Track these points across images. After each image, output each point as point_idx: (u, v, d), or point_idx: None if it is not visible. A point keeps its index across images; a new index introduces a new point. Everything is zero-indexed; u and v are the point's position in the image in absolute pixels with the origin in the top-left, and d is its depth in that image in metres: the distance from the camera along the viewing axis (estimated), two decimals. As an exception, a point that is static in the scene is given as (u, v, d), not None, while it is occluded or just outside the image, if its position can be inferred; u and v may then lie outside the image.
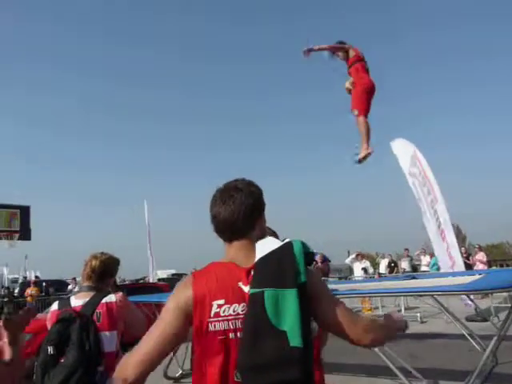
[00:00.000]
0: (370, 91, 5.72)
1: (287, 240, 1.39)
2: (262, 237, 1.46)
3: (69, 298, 2.61)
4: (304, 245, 1.36)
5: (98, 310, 2.44)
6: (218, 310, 1.30)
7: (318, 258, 13.78)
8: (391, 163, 9.49)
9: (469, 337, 5.96)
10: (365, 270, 13.32)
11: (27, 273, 27.29)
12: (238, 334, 1.27)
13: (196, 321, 1.31)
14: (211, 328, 1.29)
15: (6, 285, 23.53)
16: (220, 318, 1.29)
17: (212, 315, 1.30)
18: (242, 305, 1.30)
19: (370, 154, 5.63)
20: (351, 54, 5.84)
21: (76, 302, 2.52)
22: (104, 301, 2.48)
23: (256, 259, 1.34)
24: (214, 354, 1.28)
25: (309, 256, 1.36)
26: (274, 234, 1.94)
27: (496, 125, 68.30)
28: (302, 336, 1.20)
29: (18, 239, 12.75)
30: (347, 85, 5.86)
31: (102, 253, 2.73)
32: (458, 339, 6.62)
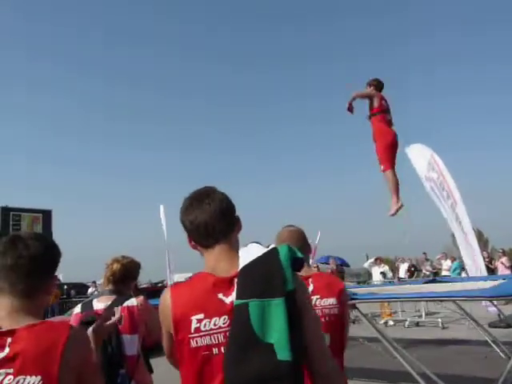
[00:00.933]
0: (393, 145, 5.73)
1: (272, 246, 1.31)
2: (237, 243, 1.42)
3: (91, 301, 2.65)
4: (291, 250, 1.28)
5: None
6: (198, 324, 1.24)
7: (331, 262, 13.68)
8: (409, 168, 9.37)
9: (492, 343, 5.81)
10: (383, 274, 13.13)
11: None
12: (222, 349, 1.21)
13: (177, 338, 1.27)
14: (193, 344, 1.24)
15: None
16: (201, 333, 1.24)
17: (192, 331, 1.24)
18: (223, 317, 1.24)
19: (400, 207, 5.67)
20: (375, 102, 5.78)
21: (98, 305, 2.55)
22: (126, 304, 2.51)
23: (239, 267, 1.27)
24: (198, 371, 1.23)
25: (297, 262, 1.28)
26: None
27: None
28: (291, 348, 1.13)
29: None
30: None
31: (124, 256, 2.76)
32: (480, 346, 6.47)
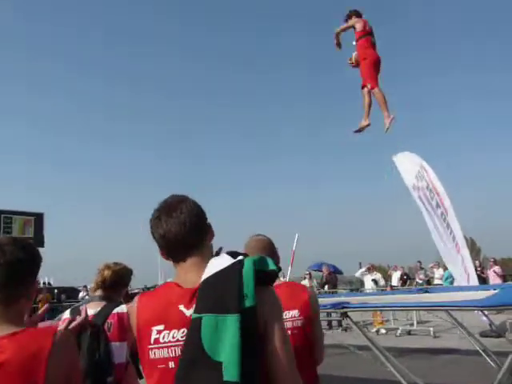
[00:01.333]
0: (376, 64, 6.01)
1: (240, 258, 1.25)
2: (211, 250, 1.39)
3: (80, 306, 2.63)
4: (259, 262, 1.22)
5: (109, 320, 2.45)
6: (158, 336, 1.21)
7: (324, 269, 13.66)
8: (399, 175, 9.44)
9: (483, 353, 5.82)
10: (375, 281, 13.15)
11: (41, 279, 27.55)
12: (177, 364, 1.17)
13: (139, 348, 1.25)
14: (152, 356, 1.21)
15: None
16: (160, 345, 1.20)
17: (152, 342, 1.21)
18: (181, 330, 1.19)
19: (392, 120, 5.92)
20: (358, 27, 6.08)
21: (88, 311, 2.53)
22: (115, 311, 2.49)
23: (202, 279, 1.22)
24: (156, 383, 1.20)
25: (267, 274, 1.22)
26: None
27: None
28: (241, 369, 1.07)
29: (32, 246, 12.87)
30: (353, 58, 6.14)
31: (116, 263, 2.74)
32: (471, 355, 6.46)
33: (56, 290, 17.96)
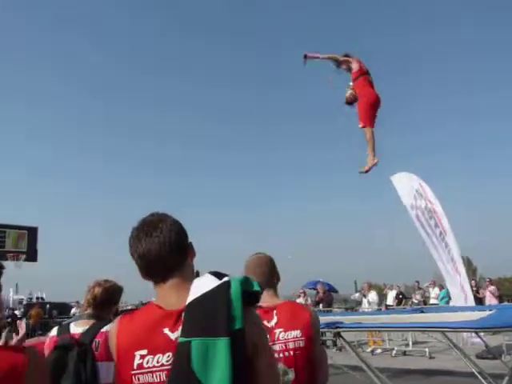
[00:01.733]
0: (374, 104, 5.92)
1: (226, 279, 1.21)
2: (192, 270, 1.35)
3: (68, 324, 2.58)
4: (245, 283, 1.20)
5: (97, 339, 2.40)
6: (141, 361, 1.17)
7: (319, 287, 13.56)
8: (394, 196, 9.47)
9: (479, 375, 5.74)
10: (368, 302, 13.09)
11: (33, 294, 27.23)
12: None
13: (120, 374, 1.20)
14: (135, 381, 1.16)
15: (11, 305, 23.45)
16: (144, 370, 1.16)
17: (135, 367, 1.17)
18: (166, 355, 1.16)
19: (375, 164, 5.87)
20: (354, 67, 6.01)
21: (75, 329, 2.48)
22: (104, 329, 2.44)
23: (188, 301, 1.19)
24: None
25: (253, 295, 1.21)
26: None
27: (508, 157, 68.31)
28: None
29: (25, 260, 12.77)
30: (347, 95, 6.06)
31: (106, 280, 2.70)
32: (467, 377, 6.37)
33: (48, 306, 17.71)
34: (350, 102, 6.09)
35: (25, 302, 23.26)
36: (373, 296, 12.95)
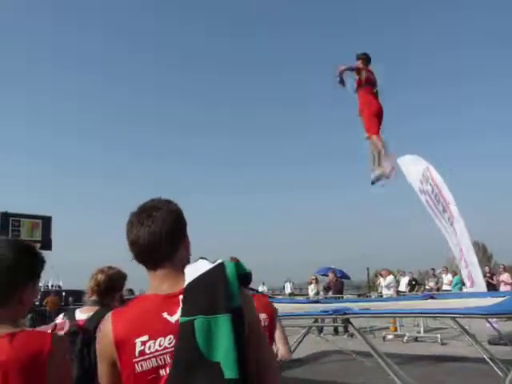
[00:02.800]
0: (377, 115, 5.93)
1: (219, 261, 1.25)
2: (188, 260, 1.35)
3: (74, 310, 2.62)
4: (239, 265, 1.24)
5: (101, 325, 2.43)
6: (143, 347, 1.17)
7: (330, 274, 13.57)
8: (402, 179, 9.30)
9: (490, 361, 5.71)
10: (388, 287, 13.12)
11: (50, 282, 27.80)
12: (168, 371, 1.15)
13: (122, 365, 1.19)
14: (138, 369, 1.17)
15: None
16: (146, 357, 1.17)
17: (137, 355, 1.17)
18: (168, 337, 1.17)
19: (388, 172, 5.80)
20: (363, 75, 6.00)
21: (80, 315, 2.52)
22: None
23: (185, 284, 1.21)
24: None
25: (245, 277, 1.24)
26: None
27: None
28: (238, 366, 1.10)
29: (40, 249, 12.91)
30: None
31: (110, 267, 2.72)
32: (479, 363, 6.34)
33: (64, 293, 18.05)
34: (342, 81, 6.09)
35: (42, 290, 23.75)
36: (390, 280, 13.01)
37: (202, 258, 1.31)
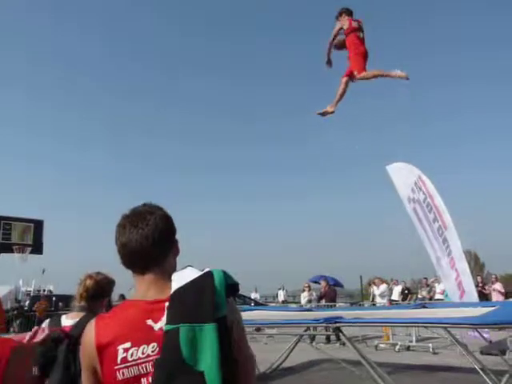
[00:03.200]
0: (364, 56, 6.02)
1: (207, 269, 1.24)
2: (174, 268, 1.33)
3: (60, 316, 2.57)
4: (226, 275, 1.22)
5: None
6: (125, 354, 1.15)
7: (322, 282, 13.56)
8: (389, 186, 9.31)
9: (481, 371, 5.70)
10: (381, 296, 13.15)
11: (41, 287, 27.51)
12: (150, 379, 1.13)
13: (103, 373, 1.17)
14: (119, 377, 1.15)
15: (20, 298, 23.72)
16: (128, 364, 1.15)
17: (119, 362, 1.15)
18: (151, 345, 1.16)
19: (332, 112, 6.13)
20: (345, 26, 6.10)
21: (66, 321, 2.47)
22: None
23: (171, 292, 1.19)
24: None
25: (232, 288, 1.23)
26: None
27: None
28: (222, 376, 1.08)
29: (30, 253, 12.83)
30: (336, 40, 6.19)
31: (98, 272, 2.69)
32: (470, 373, 6.33)
33: (54, 298, 17.89)
34: (339, 46, 6.19)
35: (32, 294, 23.50)
36: (383, 289, 13.04)
37: (189, 265, 1.29)
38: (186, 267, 1.29)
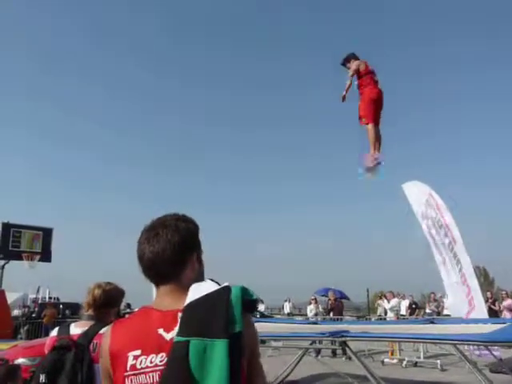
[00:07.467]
0: (377, 100, 6.09)
1: (225, 284, 1.21)
2: (197, 280, 1.30)
3: (69, 325, 2.59)
4: (245, 290, 1.19)
5: (95, 341, 2.39)
6: (134, 361, 1.15)
7: (329, 295, 13.46)
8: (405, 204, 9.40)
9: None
10: (391, 310, 13.06)
11: (47, 294, 27.55)
12: None
13: (115, 379, 1.18)
14: None
15: (28, 304, 23.77)
16: (137, 372, 1.15)
17: (128, 368, 1.15)
18: (160, 355, 1.15)
19: (378, 162, 6.00)
20: (361, 68, 6.23)
21: (75, 330, 2.49)
22: (102, 331, 2.45)
23: (186, 302, 1.18)
24: None
25: (250, 303, 1.19)
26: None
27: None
28: None
29: (39, 261, 12.90)
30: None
31: (108, 283, 2.70)
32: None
33: (61, 306, 17.93)
34: (353, 73, 6.26)
35: (40, 302, 23.54)
36: (394, 303, 12.98)
37: (210, 279, 1.27)
38: (206, 280, 1.27)
